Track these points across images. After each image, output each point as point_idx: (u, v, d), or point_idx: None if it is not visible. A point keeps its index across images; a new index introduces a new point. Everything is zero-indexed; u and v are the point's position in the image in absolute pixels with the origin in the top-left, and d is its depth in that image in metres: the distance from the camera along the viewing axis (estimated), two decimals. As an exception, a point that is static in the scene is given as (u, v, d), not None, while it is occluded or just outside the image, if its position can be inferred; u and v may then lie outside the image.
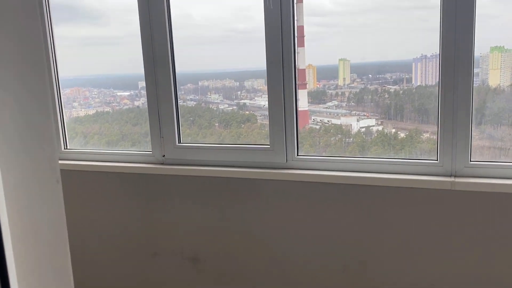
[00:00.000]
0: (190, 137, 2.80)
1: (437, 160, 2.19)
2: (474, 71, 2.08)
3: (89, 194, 2.90)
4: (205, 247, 2.69)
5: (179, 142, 2.70)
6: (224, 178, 2.53)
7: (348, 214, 2.35)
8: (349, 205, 2.33)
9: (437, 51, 2.19)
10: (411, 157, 2.32)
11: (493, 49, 2.25)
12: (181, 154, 2.65)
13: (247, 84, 2.89)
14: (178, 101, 2.69)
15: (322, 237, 2.43)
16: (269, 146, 2.48)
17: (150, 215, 2.78)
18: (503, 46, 2.23)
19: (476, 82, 2.24)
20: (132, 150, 2.87)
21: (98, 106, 3.05)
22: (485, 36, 2.15)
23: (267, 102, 2.35)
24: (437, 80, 2.14)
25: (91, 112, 3.09)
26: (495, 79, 2.27)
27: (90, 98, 3.04)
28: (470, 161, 2.13)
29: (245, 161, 2.52)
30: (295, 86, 2.39)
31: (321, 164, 2.39)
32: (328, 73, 2.56)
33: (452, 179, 2.11)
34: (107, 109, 3.09)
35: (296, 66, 2.35)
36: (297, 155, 2.46)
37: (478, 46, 2.05)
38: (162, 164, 2.69)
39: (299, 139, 2.46)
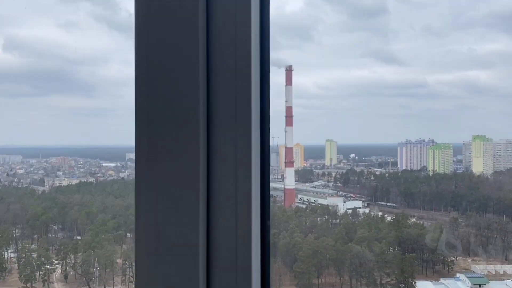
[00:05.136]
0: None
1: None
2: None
3: None
4: None
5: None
6: None
7: None
8: None
9: (422, 137, 2.25)
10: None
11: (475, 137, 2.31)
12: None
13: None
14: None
15: None
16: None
17: None
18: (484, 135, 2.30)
19: (460, 169, 2.29)
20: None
21: (83, 176, 3.01)
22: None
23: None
24: (423, 164, 2.16)
25: (74, 182, 3.03)
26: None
27: (75, 168, 3.00)
28: None
29: None
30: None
31: None
32: (315, 152, 2.62)
33: None
34: (91, 179, 3.03)
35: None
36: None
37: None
38: None
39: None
